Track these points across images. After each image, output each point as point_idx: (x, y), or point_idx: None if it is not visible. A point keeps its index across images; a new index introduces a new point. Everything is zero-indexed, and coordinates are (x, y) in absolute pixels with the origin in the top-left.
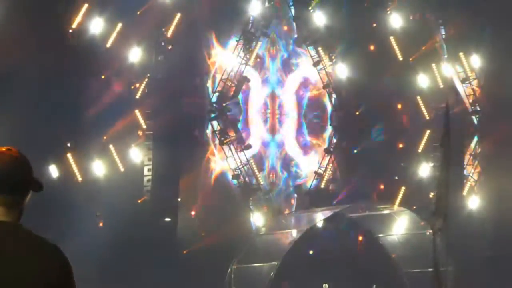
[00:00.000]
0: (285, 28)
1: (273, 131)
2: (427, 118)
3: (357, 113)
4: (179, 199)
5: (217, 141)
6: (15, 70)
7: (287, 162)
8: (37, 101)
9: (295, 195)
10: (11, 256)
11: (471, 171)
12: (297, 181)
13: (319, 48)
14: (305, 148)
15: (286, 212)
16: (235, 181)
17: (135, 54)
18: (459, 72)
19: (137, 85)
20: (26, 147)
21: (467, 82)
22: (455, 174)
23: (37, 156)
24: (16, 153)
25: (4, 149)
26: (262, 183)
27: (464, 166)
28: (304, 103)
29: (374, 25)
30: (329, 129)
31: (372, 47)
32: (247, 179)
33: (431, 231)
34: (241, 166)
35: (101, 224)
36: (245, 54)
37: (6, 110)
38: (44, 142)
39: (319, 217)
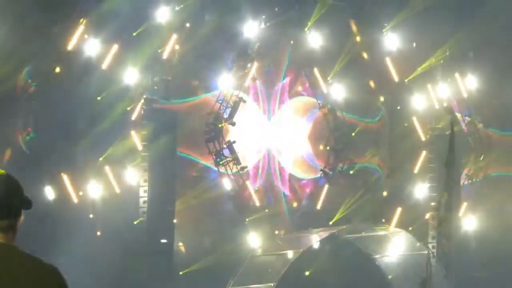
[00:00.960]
0: (281, 49)
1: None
2: (423, 139)
3: (353, 134)
4: (175, 221)
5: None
6: (10, 90)
7: (284, 183)
8: (33, 121)
9: (292, 216)
10: (7, 279)
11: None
12: (293, 202)
13: (315, 69)
14: (303, 169)
15: (282, 233)
16: (231, 202)
17: (131, 76)
18: (455, 93)
19: (133, 106)
20: (22, 169)
21: (463, 103)
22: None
23: (33, 178)
24: (5, 176)
25: None
26: (258, 204)
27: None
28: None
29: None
30: (325, 150)
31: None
32: (243, 200)
33: (427, 252)
34: (237, 187)
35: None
36: (241, 75)
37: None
38: (40, 163)
39: (315, 238)
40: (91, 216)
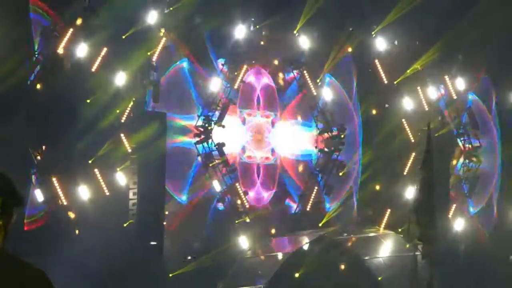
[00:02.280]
0: (271, 51)
1: (260, 152)
2: (412, 140)
3: (342, 136)
4: (164, 223)
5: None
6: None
7: (274, 185)
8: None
9: (281, 218)
10: None
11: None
12: (283, 204)
13: (304, 72)
14: (293, 171)
15: (272, 235)
16: (220, 204)
17: (120, 78)
18: (444, 94)
19: (123, 109)
20: (10, 172)
21: (452, 104)
22: (440, 196)
23: (22, 180)
24: None
25: None
26: (247, 206)
27: (450, 188)
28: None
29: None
30: (315, 152)
31: (357, 70)
32: (232, 202)
33: (416, 253)
34: (227, 189)
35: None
36: (230, 77)
37: None
38: (29, 166)
39: (305, 240)
40: (72, 216)
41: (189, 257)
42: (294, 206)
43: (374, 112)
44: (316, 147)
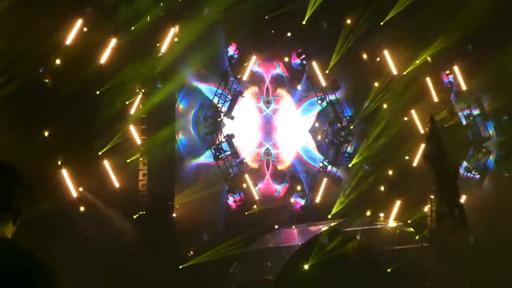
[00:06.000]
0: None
1: (270, 144)
2: (422, 132)
3: (351, 127)
4: (174, 215)
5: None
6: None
7: (283, 177)
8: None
9: (291, 210)
10: None
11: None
12: (292, 196)
13: (313, 62)
14: (302, 162)
15: (281, 227)
16: (230, 195)
17: (129, 69)
18: (453, 85)
19: (132, 100)
20: (20, 164)
21: (462, 95)
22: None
23: (31, 172)
24: (0, 168)
25: None
26: (257, 198)
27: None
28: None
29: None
30: (325, 144)
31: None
32: (241, 193)
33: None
34: (236, 180)
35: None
36: (239, 68)
37: None
38: (39, 157)
39: (315, 232)
40: (81, 209)
41: (191, 253)
42: (303, 197)
43: (383, 102)
44: (325, 138)
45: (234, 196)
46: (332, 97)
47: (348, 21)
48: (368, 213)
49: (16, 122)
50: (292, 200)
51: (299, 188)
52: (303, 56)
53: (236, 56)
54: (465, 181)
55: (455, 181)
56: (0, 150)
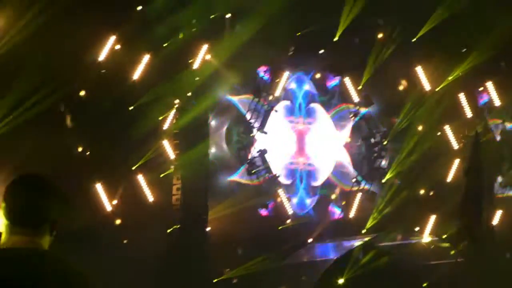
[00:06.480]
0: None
1: (303, 158)
2: (456, 147)
3: (385, 142)
4: (208, 229)
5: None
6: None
7: (317, 191)
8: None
9: (324, 224)
10: (30, 282)
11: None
12: (326, 210)
13: (346, 78)
14: (337, 178)
15: (315, 241)
16: (264, 210)
17: (162, 85)
18: (487, 101)
19: (165, 116)
20: (55, 178)
21: (495, 111)
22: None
23: (66, 186)
24: (36, 180)
25: (24, 178)
26: (291, 212)
27: (495, 195)
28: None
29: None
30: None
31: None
32: (275, 208)
33: (460, 259)
34: (270, 195)
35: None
36: (272, 84)
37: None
38: (73, 172)
39: (349, 246)
40: (117, 222)
41: (227, 270)
42: (337, 212)
43: (416, 118)
44: (359, 154)
45: (267, 210)
46: (365, 112)
47: (380, 36)
48: (403, 228)
49: (51, 137)
50: (325, 215)
51: (333, 196)
52: (336, 72)
53: (266, 78)
54: (500, 198)
55: (490, 195)
56: (36, 165)
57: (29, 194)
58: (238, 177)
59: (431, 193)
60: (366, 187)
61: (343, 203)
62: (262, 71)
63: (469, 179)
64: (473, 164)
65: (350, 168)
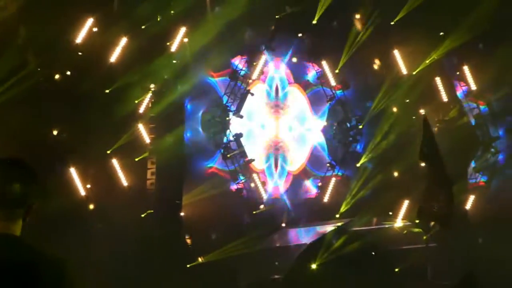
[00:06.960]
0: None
1: (277, 143)
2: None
3: (360, 126)
4: (182, 214)
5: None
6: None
7: (291, 176)
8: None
9: (298, 209)
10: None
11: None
12: (300, 194)
13: (323, 61)
14: (311, 162)
15: (289, 226)
16: (237, 195)
17: (139, 69)
18: (463, 85)
19: (141, 99)
20: (30, 162)
21: (471, 95)
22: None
23: (41, 170)
24: (13, 163)
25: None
26: (265, 197)
27: (468, 179)
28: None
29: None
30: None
31: (376, 60)
32: (250, 193)
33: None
34: (245, 180)
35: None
36: (249, 68)
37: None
38: (47, 155)
39: (322, 231)
40: (91, 207)
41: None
42: (311, 197)
43: (391, 102)
44: (334, 138)
45: (242, 194)
46: (341, 94)
47: (358, 20)
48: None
49: (26, 120)
50: (299, 199)
51: (306, 187)
52: (313, 55)
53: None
54: (473, 183)
55: (448, 180)
56: (11, 149)
57: (6, 176)
58: (213, 161)
59: (405, 177)
60: (340, 172)
61: (319, 184)
62: (240, 54)
63: (428, 164)
64: (426, 149)
65: (325, 153)
